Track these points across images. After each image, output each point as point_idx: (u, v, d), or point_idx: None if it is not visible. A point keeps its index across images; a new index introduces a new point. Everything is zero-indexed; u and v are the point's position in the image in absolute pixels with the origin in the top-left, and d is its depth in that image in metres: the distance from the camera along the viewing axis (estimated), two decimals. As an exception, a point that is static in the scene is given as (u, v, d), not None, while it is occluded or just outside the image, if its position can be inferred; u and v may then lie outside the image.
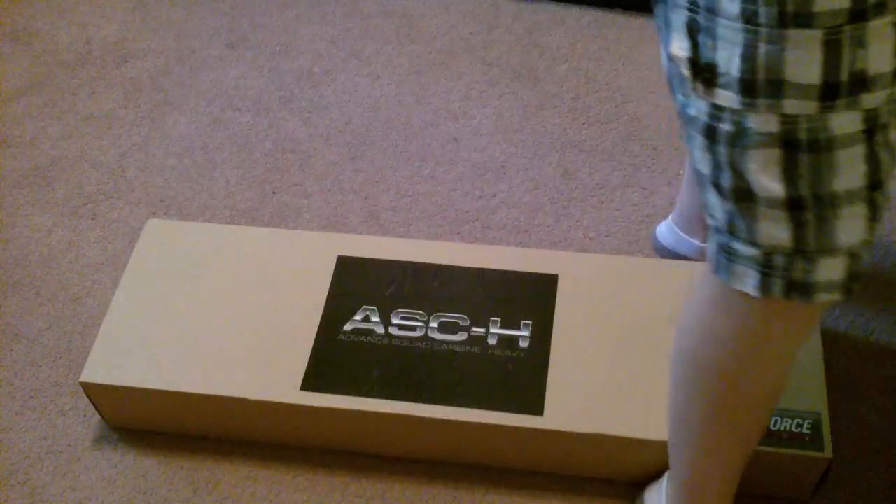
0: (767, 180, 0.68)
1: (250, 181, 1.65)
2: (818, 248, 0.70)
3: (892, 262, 1.45)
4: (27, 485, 1.31)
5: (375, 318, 1.30)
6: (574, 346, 1.25)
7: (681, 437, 0.97)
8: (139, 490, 1.29)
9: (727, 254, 0.75)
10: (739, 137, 0.67)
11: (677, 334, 0.89)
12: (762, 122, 0.66)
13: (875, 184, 0.68)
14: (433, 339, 1.27)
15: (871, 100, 0.64)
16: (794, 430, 1.15)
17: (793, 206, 0.68)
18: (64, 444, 1.35)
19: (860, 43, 0.61)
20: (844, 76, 0.62)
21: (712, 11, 0.64)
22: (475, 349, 1.26)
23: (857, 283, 0.73)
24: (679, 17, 0.68)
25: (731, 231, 0.73)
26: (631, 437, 1.17)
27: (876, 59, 0.62)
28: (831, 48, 0.61)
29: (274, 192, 1.63)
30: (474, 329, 1.28)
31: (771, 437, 1.15)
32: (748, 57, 0.64)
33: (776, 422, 1.15)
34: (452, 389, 1.22)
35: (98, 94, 1.83)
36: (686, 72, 0.69)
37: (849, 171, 0.67)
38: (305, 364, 1.26)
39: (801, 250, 0.70)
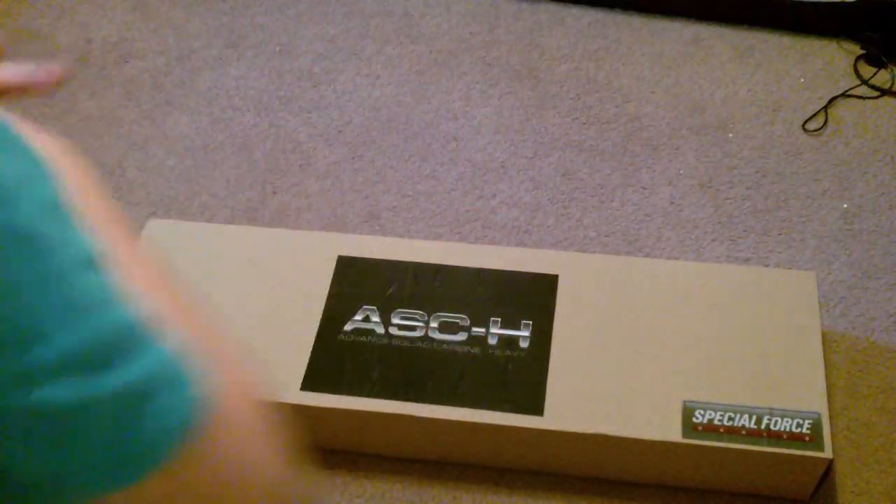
0: None
1: (250, 181, 1.65)
2: None
3: (892, 263, 1.45)
4: (27, 485, 1.31)
5: (375, 318, 1.30)
6: (574, 346, 1.25)
7: None
8: (139, 490, 1.29)
9: None
10: None
11: None
12: None
13: None
14: (433, 339, 1.27)
15: None
16: (794, 430, 1.15)
17: None
18: (64, 444, 1.35)
19: None
20: None
21: None
22: (475, 349, 1.26)
23: None
24: None
25: None
26: (631, 436, 1.17)
27: None
28: None
29: (274, 192, 1.63)
30: (474, 329, 1.28)
31: (771, 437, 1.15)
32: None
33: (776, 422, 1.15)
34: (452, 389, 1.22)
35: (98, 94, 1.82)
36: None
37: None
38: (305, 364, 1.26)
39: None
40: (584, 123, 1.69)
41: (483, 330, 1.27)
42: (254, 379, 0.55)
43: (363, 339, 1.28)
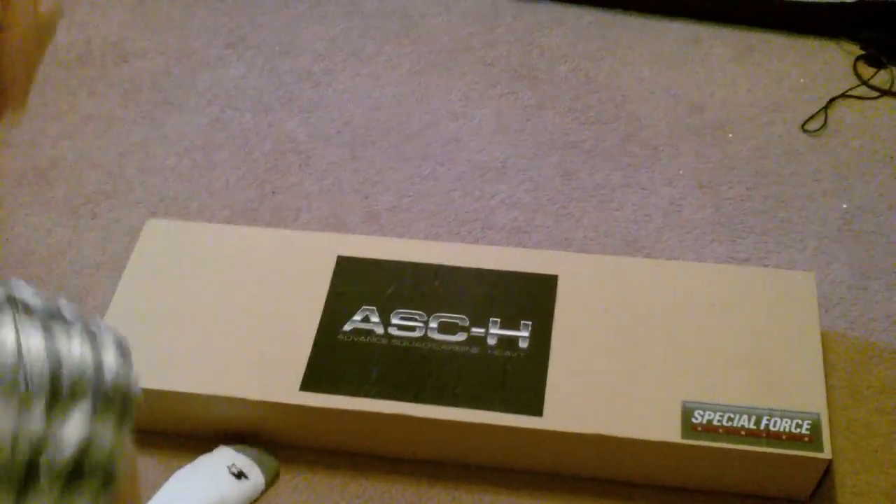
0: None
1: (250, 181, 1.65)
2: None
3: (892, 264, 1.45)
4: (27, 485, 1.31)
5: (375, 319, 1.30)
6: (574, 346, 1.25)
7: None
8: (139, 490, 1.29)
9: None
10: None
11: None
12: None
13: None
14: (433, 340, 1.27)
15: None
16: (793, 430, 1.15)
17: None
18: (64, 444, 1.35)
19: None
20: None
21: None
22: (475, 349, 1.26)
23: None
24: None
25: None
26: (631, 437, 1.17)
27: None
28: None
29: (274, 192, 1.63)
30: (474, 329, 1.28)
31: (770, 437, 1.15)
32: None
33: (775, 422, 1.15)
34: (452, 389, 1.22)
35: (98, 94, 1.82)
36: None
37: None
38: (305, 364, 1.26)
39: None
40: (583, 123, 1.69)
41: (482, 330, 1.27)
42: None
43: (362, 339, 1.28)
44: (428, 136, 1.70)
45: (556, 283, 1.31)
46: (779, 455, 1.14)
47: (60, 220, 1.62)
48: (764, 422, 1.16)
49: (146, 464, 1.31)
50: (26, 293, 0.54)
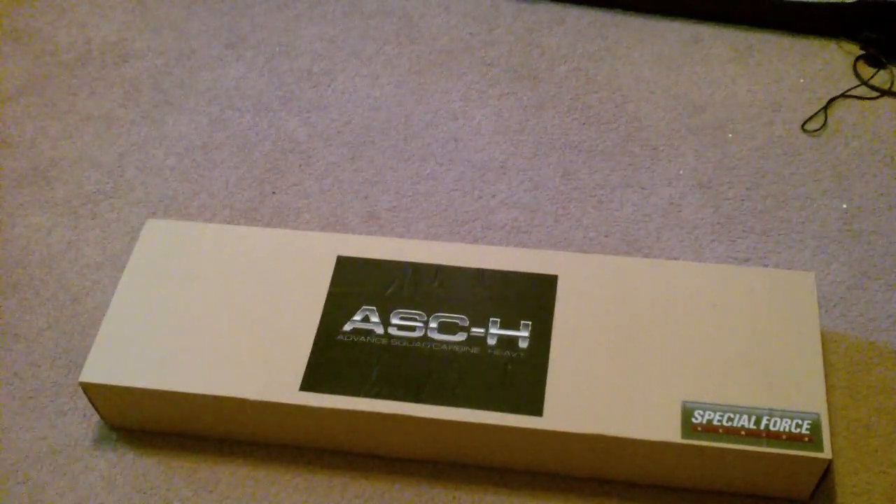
0: None
1: (250, 181, 1.65)
2: None
3: (892, 264, 1.45)
4: (26, 485, 1.31)
5: (375, 319, 1.30)
6: (574, 346, 1.25)
7: None
8: (139, 490, 1.29)
9: None
10: None
11: None
12: None
13: None
14: (432, 340, 1.27)
15: None
16: (792, 430, 1.15)
17: None
18: (63, 444, 1.35)
19: None
20: None
21: None
22: (475, 349, 1.26)
23: None
24: None
25: None
26: (631, 437, 1.17)
27: None
28: None
29: (273, 192, 1.63)
30: (474, 329, 1.28)
31: (770, 437, 1.15)
32: None
33: (775, 422, 1.16)
34: (452, 390, 1.22)
35: (98, 94, 1.83)
36: None
37: None
38: (305, 364, 1.26)
39: None
40: (583, 123, 1.69)
41: (482, 330, 1.28)
42: None
43: (362, 339, 1.28)
44: (428, 136, 1.70)
45: (555, 283, 1.31)
46: (779, 455, 1.14)
47: (60, 220, 1.62)
48: (764, 422, 1.16)
49: (146, 464, 1.31)
50: None
